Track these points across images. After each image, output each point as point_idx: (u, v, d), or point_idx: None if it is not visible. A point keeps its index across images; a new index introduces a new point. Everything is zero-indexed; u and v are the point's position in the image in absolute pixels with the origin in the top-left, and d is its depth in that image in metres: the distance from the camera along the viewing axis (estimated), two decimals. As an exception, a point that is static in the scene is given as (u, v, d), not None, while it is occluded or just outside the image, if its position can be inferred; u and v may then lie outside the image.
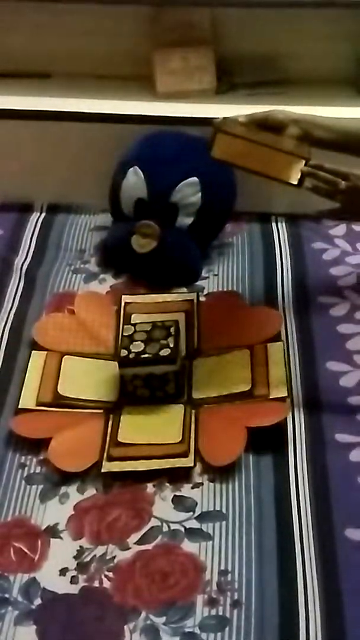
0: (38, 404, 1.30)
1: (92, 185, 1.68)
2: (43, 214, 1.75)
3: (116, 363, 1.31)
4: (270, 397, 1.28)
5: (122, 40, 1.73)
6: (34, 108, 1.68)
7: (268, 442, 1.22)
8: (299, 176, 1.20)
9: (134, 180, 1.57)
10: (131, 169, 1.57)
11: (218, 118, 1.26)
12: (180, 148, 1.59)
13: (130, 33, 1.72)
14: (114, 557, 1.09)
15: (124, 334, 1.32)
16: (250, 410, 1.26)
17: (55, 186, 1.75)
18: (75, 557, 1.10)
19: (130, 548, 1.10)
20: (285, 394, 1.28)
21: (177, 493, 1.17)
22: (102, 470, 1.19)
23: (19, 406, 1.30)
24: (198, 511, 1.15)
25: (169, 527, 1.13)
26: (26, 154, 1.72)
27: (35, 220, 1.74)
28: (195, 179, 1.54)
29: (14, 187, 1.75)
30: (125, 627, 1.01)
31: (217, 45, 1.72)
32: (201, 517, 1.14)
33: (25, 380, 1.34)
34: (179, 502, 1.16)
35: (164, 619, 1.02)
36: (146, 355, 1.27)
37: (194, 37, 1.71)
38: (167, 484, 1.18)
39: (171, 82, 1.71)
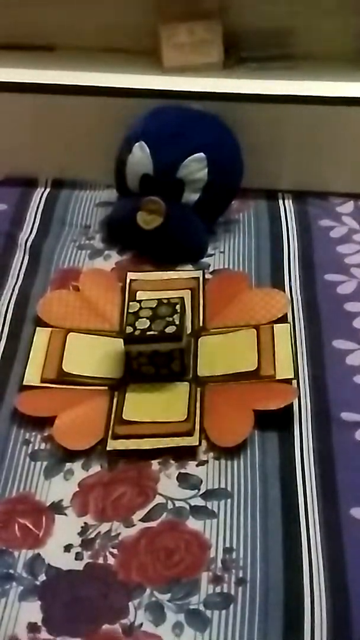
0: (42, 381, 1.29)
1: (97, 160, 1.66)
2: (48, 189, 1.73)
3: (121, 340, 1.30)
4: (277, 379, 1.27)
5: (127, 13, 1.70)
6: (38, 81, 1.66)
7: (274, 420, 1.22)
8: None
9: (140, 156, 1.55)
10: (137, 144, 1.55)
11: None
12: (187, 123, 1.57)
13: (136, 5, 1.69)
14: (118, 534, 1.09)
15: (130, 310, 1.31)
16: (257, 392, 1.25)
17: (59, 161, 1.73)
18: (79, 534, 1.10)
19: (135, 525, 1.10)
20: (292, 376, 1.27)
21: (182, 470, 1.17)
22: (107, 449, 1.18)
23: (24, 383, 1.29)
24: (203, 489, 1.14)
25: (173, 504, 1.13)
26: (30, 128, 1.70)
27: (39, 195, 1.72)
28: (201, 154, 1.52)
29: (18, 162, 1.73)
30: (129, 603, 1.01)
31: (224, 19, 1.69)
32: (206, 495, 1.14)
33: (30, 356, 1.33)
34: (184, 480, 1.16)
35: (168, 595, 1.02)
36: (152, 333, 1.26)
37: (201, 10, 1.68)
38: (172, 462, 1.18)
39: (178, 56, 1.68)
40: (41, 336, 1.37)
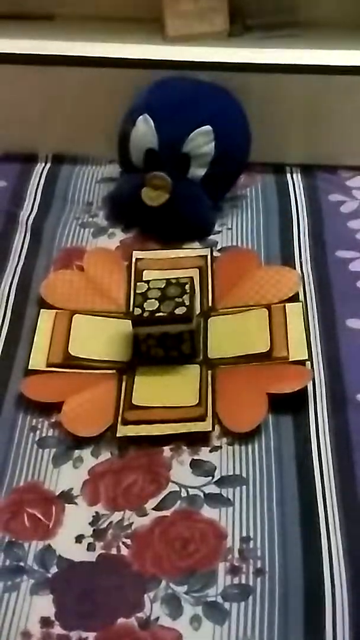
0: (48, 365, 1.25)
1: (99, 134, 1.61)
2: (48, 165, 1.68)
3: (128, 321, 1.26)
4: (290, 360, 1.23)
5: (129, -21, 1.65)
6: (37, 52, 1.60)
7: (288, 402, 1.18)
8: None
9: (144, 129, 1.50)
10: (140, 117, 1.50)
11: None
12: (193, 95, 1.52)
13: (138, -28, 1.64)
14: (131, 524, 1.06)
15: (138, 291, 1.26)
16: (270, 374, 1.21)
17: (60, 135, 1.68)
18: (91, 524, 1.06)
19: (148, 514, 1.07)
20: (306, 357, 1.23)
21: (195, 457, 1.13)
22: (117, 435, 1.15)
23: (29, 367, 1.25)
24: (217, 475, 1.11)
25: (187, 492, 1.09)
26: (29, 100, 1.65)
27: (40, 171, 1.67)
28: (208, 127, 1.47)
29: (17, 137, 1.68)
30: (145, 596, 0.98)
31: (229, -15, 1.64)
32: (221, 482, 1.10)
33: (35, 340, 1.29)
34: (198, 466, 1.12)
35: (185, 587, 0.99)
36: (161, 314, 1.22)
37: (205, -24, 1.63)
38: (185, 448, 1.14)
39: (182, 25, 1.63)
40: (45, 318, 1.32)
